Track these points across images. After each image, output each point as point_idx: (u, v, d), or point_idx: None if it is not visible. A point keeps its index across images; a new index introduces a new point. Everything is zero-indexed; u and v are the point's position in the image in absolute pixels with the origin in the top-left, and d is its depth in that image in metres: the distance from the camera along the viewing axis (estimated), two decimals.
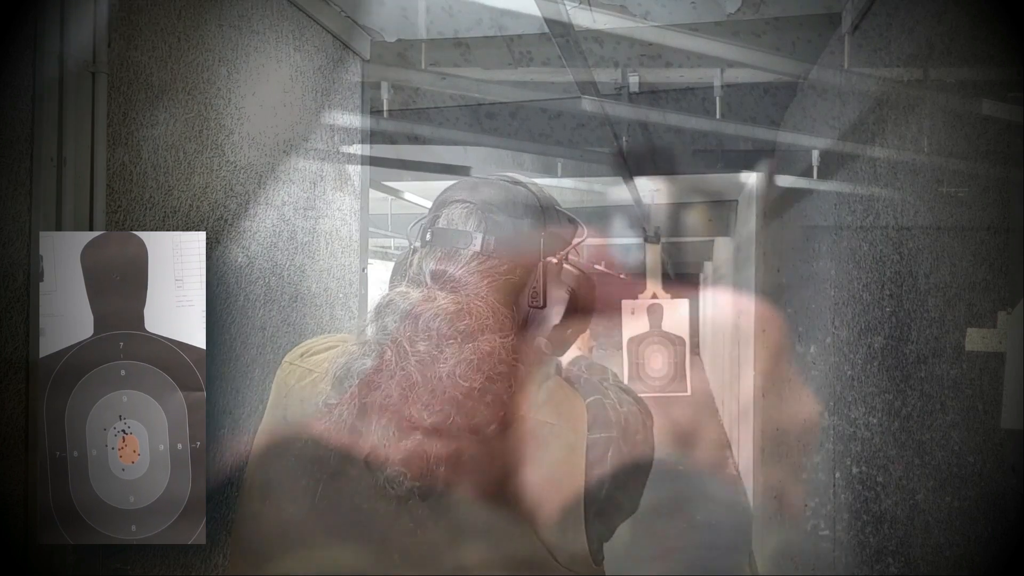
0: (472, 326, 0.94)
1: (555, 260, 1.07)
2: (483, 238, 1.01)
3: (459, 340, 0.93)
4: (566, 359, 1.16)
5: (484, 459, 0.92)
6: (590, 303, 1.12)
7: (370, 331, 0.99)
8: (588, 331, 1.23)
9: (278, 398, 1.05)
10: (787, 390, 2.88)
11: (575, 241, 1.13)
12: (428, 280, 1.01)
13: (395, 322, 0.96)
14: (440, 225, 1.04)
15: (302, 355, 1.07)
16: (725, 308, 6.67)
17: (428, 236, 1.04)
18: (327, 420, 0.94)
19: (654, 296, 4.23)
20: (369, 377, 0.94)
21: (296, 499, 0.96)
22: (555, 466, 0.94)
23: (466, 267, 1.00)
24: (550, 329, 1.06)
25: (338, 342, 1.06)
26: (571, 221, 1.13)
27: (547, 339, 1.07)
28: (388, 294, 1.01)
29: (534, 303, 1.05)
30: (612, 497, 0.96)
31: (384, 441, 0.91)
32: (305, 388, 1.01)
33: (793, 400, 2.77)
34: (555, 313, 1.06)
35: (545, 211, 1.08)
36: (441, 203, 1.07)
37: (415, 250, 1.06)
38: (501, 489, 0.92)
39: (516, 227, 1.04)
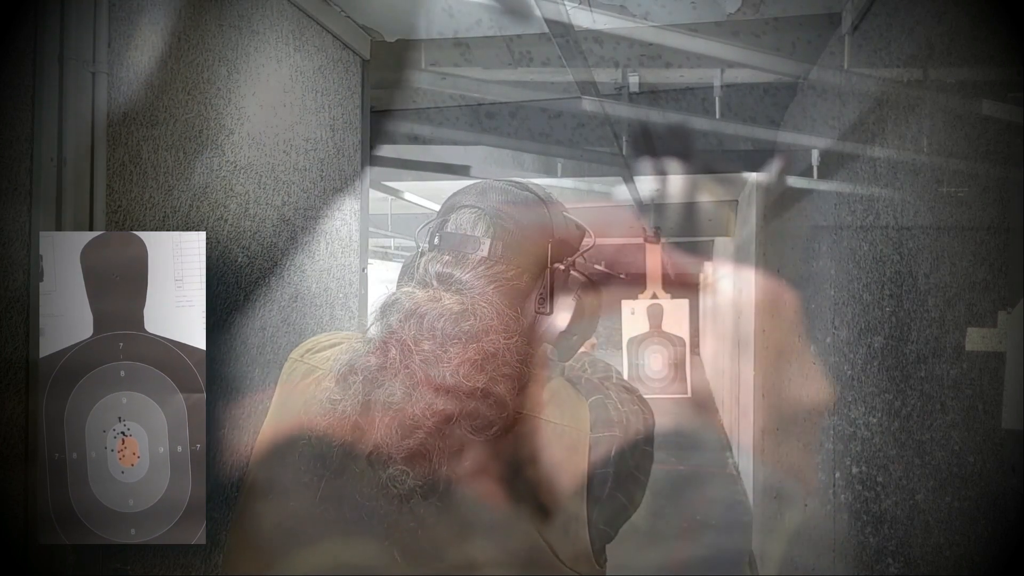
0: (477, 327, 0.95)
1: (562, 267, 1.07)
2: (491, 244, 1.01)
3: (463, 340, 0.94)
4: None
5: (486, 458, 0.92)
6: (596, 310, 1.12)
7: (374, 329, 0.99)
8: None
9: (282, 395, 1.05)
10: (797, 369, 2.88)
11: (582, 248, 1.13)
12: (434, 283, 1.01)
13: (399, 321, 0.96)
14: (448, 229, 1.04)
15: (307, 352, 1.07)
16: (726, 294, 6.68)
17: (436, 240, 1.05)
18: (330, 416, 0.94)
19: (654, 296, 4.23)
20: (373, 374, 0.94)
21: (298, 496, 0.96)
22: (558, 465, 0.94)
23: (473, 272, 1.00)
24: (556, 335, 1.06)
25: (343, 339, 1.06)
26: (578, 228, 1.13)
27: (553, 346, 1.07)
28: (394, 293, 1.01)
29: (541, 310, 1.05)
30: (614, 496, 0.96)
31: (387, 439, 0.91)
32: (309, 385, 1.01)
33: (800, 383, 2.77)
34: (561, 320, 1.06)
35: (553, 217, 1.08)
36: (450, 207, 1.07)
37: (422, 253, 1.06)
38: (504, 488, 0.93)
39: (524, 233, 1.04)
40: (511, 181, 1.11)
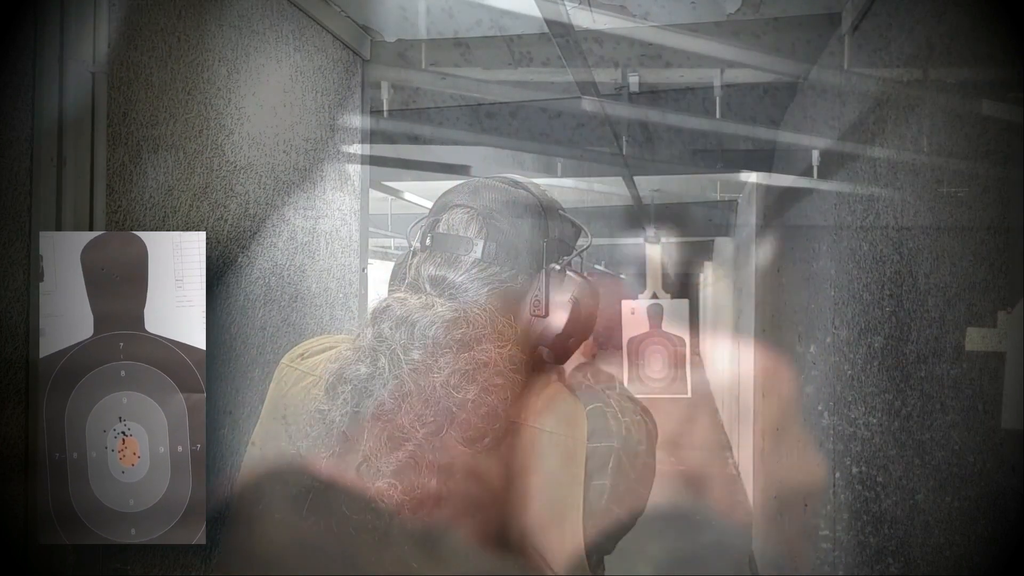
0: (469, 335, 0.92)
1: (558, 267, 1.04)
2: (484, 245, 0.99)
3: (455, 349, 0.91)
4: (569, 366, 1.14)
5: (478, 470, 0.89)
6: (593, 311, 1.09)
7: (366, 335, 0.97)
8: (591, 337, 1.20)
9: (274, 401, 1.03)
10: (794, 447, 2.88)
11: (579, 247, 1.11)
12: (427, 286, 0.98)
13: (391, 328, 0.93)
14: (440, 230, 1.02)
15: (299, 357, 1.05)
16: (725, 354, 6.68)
17: (428, 241, 1.02)
18: (319, 427, 0.92)
19: (654, 296, 4.23)
20: (362, 384, 0.91)
21: (285, 509, 0.94)
22: (553, 475, 0.91)
23: (466, 274, 0.98)
24: (552, 338, 1.03)
25: (336, 343, 1.04)
26: (574, 226, 1.10)
27: (548, 348, 1.04)
28: (386, 299, 0.98)
29: (536, 312, 1.02)
30: (611, 510, 0.93)
31: (376, 451, 0.89)
32: (298, 393, 0.99)
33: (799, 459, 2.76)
34: (557, 322, 1.03)
35: (548, 216, 1.05)
36: (441, 207, 1.04)
37: (414, 253, 1.03)
38: (496, 500, 0.90)
39: (518, 234, 1.01)
40: (504, 178, 1.07)
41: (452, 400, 0.89)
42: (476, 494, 0.90)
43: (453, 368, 0.90)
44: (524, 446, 0.91)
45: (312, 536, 0.92)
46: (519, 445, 0.91)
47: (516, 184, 1.07)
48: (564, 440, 0.93)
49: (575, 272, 1.06)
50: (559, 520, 0.90)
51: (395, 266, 1.08)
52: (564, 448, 0.92)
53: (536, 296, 1.02)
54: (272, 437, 1.00)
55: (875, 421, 1.72)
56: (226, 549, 1.01)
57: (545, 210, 1.06)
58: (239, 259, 1.61)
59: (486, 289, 0.98)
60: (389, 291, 1.03)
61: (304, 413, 0.95)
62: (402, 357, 0.91)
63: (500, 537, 0.90)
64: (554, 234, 1.05)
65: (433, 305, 0.95)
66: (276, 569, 0.94)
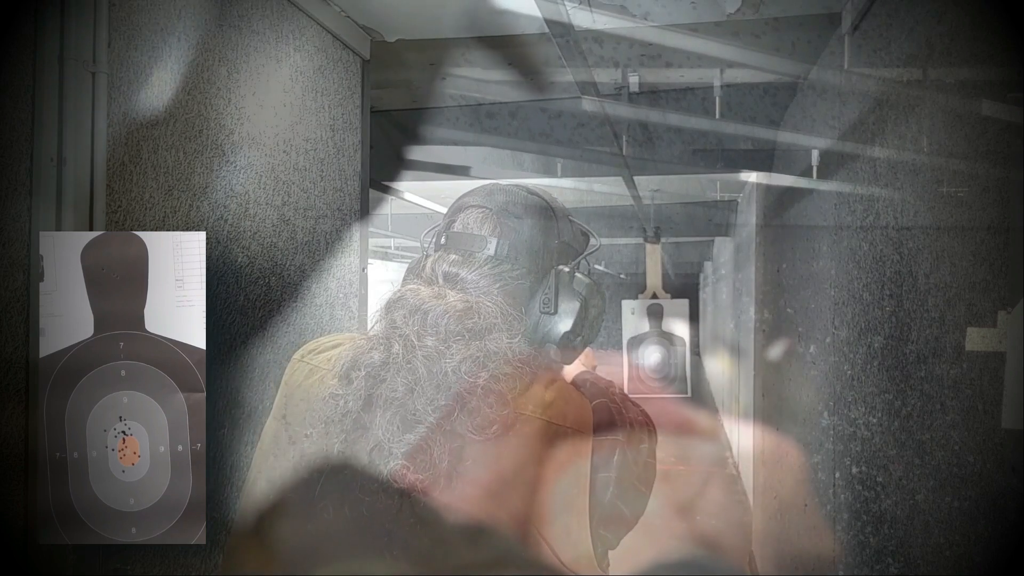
0: (480, 324, 0.96)
1: (567, 269, 1.09)
2: (497, 243, 1.04)
3: (466, 337, 0.95)
4: (571, 373, 1.17)
5: (488, 457, 0.92)
6: (600, 313, 1.13)
7: (379, 326, 1.00)
8: (592, 351, 1.24)
9: (285, 394, 1.06)
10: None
11: (587, 252, 1.15)
12: (440, 280, 1.02)
13: (404, 317, 0.97)
14: (455, 229, 1.06)
15: (309, 352, 1.08)
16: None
17: (443, 240, 1.07)
18: (333, 412, 0.95)
19: (654, 296, 4.24)
20: (376, 370, 0.95)
21: (298, 494, 0.96)
22: (560, 466, 0.94)
23: (479, 270, 1.02)
24: (559, 336, 1.07)
25: (345, 340, 1.07)
26: (584, 233, 1.16)
27: (556, 346, 1.08)
28: (399, 290, 1.02)
29: (545, 309, 1.06)
30: (615, 505, 0.96)
31: (388, 434, 0.92)
32: (312, 385, 1.01)
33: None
34: (565, 323, 1.07)
35: (559, 220, 1.11)
36: (457, 208, 1.09)
37: (428, 255, 1.08)
38: (505, 487, 0.93)
39: (530, 234, 1.06)
40: (517, 184, 1.13)
41: (463, 385, 0.92)
42: (486, 480, 0.92)
43: (464, 355, 0.94)
44: (532, 436, 0.94)
45: (325, 519, 0.93)
46: (527, 435, 0.94)
47: (529, 190, 1.13)
48: (571, 432, 0.96)
49: (583, 274, 1.10)
50: (565, 510, 0.93)
51: (409, 266, 1.13)
52: (571, 440, 0.95)
53: (546, 294, 1.06)
54: (284, 426, 1.02)
55: (875, 421, 1.72)
56: (235, 540, 1.03)
57: (556, 215, 1.10)
58: (239, 259, 1.61)
59: (497, 286, 1.02)
60: (403, 287, 1.06)
61: (316, 403, 0.98)
62: (416, 343, 0.95)
63: (508, 524, 0.92)
64: (564, 237, 1.10)
65: (445, 296, 0.99)
66: (289, 554, 0.96)
